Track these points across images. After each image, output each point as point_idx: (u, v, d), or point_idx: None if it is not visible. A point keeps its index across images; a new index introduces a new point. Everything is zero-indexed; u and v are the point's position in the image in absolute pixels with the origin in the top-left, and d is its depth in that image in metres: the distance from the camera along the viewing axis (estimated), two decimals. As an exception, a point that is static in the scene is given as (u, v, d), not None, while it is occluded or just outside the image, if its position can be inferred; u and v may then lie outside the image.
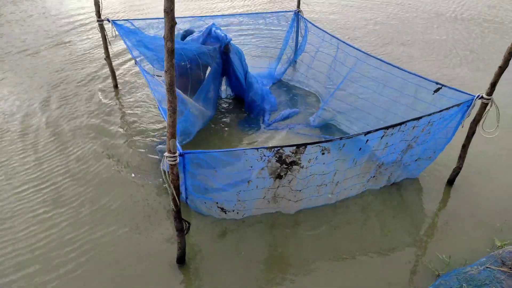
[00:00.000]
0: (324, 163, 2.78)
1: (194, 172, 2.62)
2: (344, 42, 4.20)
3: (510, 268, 2.46)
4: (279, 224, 3.07)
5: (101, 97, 4.85)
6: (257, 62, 5.19)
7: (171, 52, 1.79)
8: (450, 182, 3.50)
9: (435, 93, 3.31)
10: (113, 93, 4.96)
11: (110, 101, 4.77)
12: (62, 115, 4.48)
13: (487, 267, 2.49)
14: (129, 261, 2.75)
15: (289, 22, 5.07)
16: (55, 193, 3.33)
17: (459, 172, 3.42)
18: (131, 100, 4.82)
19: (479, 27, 7.57)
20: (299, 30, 5.09)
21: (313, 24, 4.79)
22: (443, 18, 8.09)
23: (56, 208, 3.18)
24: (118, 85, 5.07)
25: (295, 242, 2.93)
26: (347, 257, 2.83)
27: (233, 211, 3.01)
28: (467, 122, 3.08)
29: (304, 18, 4.92)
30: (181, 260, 2.69)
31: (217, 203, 2.96)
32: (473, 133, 3.14)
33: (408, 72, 3.50)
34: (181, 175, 2.54)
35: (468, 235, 3.04)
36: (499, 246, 2.84)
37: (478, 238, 3.00)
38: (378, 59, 3.77)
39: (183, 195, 2.99)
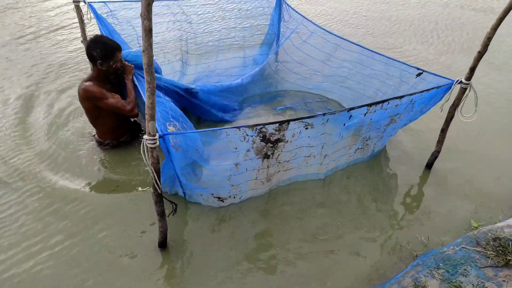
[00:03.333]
0: (309, 137, 2.83)
1: (179, 157, 2.59)
2: (325, 30, 4.17)
3: (484, 248, 2.53)
4: (268, 209, 3.10)
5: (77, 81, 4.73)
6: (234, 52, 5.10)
7: (148, 31, 1.74)
8: (429, 166, 3.57)
9: (418, 77, 3.38)
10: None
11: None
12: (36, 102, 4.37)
13: (463, 247, 2.55)
14: (109, 245, 2.73)
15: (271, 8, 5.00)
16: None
17: (438, 156, 3.48)
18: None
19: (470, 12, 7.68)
20: (282, 16, 5.02)
21: (294, 10, 4.72)
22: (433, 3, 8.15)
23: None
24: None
25: (283, 228, 2.95)
26: (329, 240, 2.87)
27: (230, 197, 3.02)
28: (446, 106, 3.13)
29: (287, 3, 4.85)
30: (163, 244, 2.68)
31: (212, 194, 2.96)
32: (452, 117, 3.19)
33: (392, 59, 3.55)
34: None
35: (445, 217, 3.11)
36: (474, 227, 2.92)
37: (455, 219, 3.08)
38: (361, 46, 3.77)
39: (180, 192, 3.04)
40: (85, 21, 4.10)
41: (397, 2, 8.29)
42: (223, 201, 3.03)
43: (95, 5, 3.79)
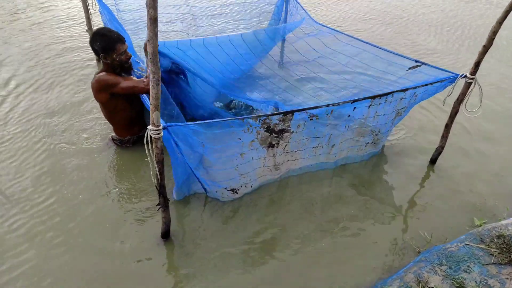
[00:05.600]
0: (315, 128, 2.84)
1: (187, 151, 2.58)
2: (321, 24, 4.13)
3: (488, 245, 2.52)
4: (276, 202, 3.10)
5: (82, 71, 4.72)
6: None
7: (154, 20, 1.72)
8: (433, 161, 3.55)
9: (410, 70, 3.32)
10: (96, 68, 4.83)
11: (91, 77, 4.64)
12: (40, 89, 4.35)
13: (466, 244, 2.54)
14: (112, 236, 2.74)
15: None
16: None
17: (442, 151, 3.46)
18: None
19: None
20: (288, 9, 4.97)
21: (299, 4, 4.67)
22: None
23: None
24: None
25: (290, 221, 2.95)
26: (333, 233, 2.86)
27: (242, 186, 3.01)
28: (451, 101, 3.10)
29: None
30: (166, 234, 2.68)
31: (225, 188, 2.96)
32: (456, 112, 3.17)
33: (387, 51, 3.51)
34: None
35: (449, 213, 3.09)
36: (478, 225, 2.90)
37: (458, 216, 3.06)
38: (355, 38, 3.74)
39: (200, 189, 3.01)
40: (90, 11, 4.09)
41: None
42: (237, 193, 3.02)
43: None
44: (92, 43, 3.04)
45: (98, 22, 5.55)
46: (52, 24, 6.12)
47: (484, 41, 2.74)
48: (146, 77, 3.06)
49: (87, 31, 4.60)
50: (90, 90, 4.19)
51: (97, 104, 4.00)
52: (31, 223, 2.79)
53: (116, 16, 3.81)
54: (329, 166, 3.39)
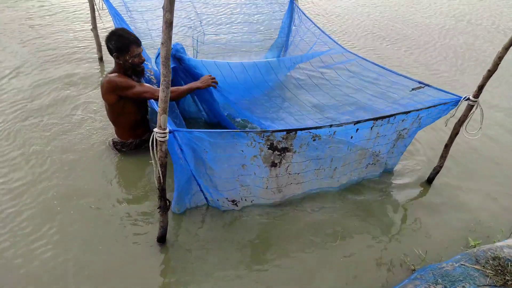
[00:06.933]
0: (317, 149, 2.83)
1: (191, 156, 2.57)
2: (336, 43, 4.16)
3: (483, 266, 2.53)
4: (273, 213, 3.09)
5: (84, 71, 4.71)
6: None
7: (169, 24, 1.73)
8: (430, 180, 3.57)
9: (413, 91, 3.33)
10: (98, 68, 4.82)
11: (93, 76, 4.63)
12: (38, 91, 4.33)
13: (462, 264, 2.55)
14: (106, 240, 2.71)
15: (283, 11, 5.00)
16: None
17: (439, 171, 3.49)
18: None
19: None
20: (293, 21, 5.01)
21: (306, 16, 4.72)
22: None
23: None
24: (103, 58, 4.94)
25: (284, 233, 2.94)
26: (327, 249, 2.86)
27: (242, 199, 3.00)
28: (452, 122, 3.14)
29: (299, 8, 4.85)
30: (162, 239, 2.66)
31: (226, 198, 2.95)
32: (457, 133, 3.20)
33: (391, 71, 3.53)
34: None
35: (443, 233, 3.10)
36: (472, 246, 2.92)
37: (453, 236, 3.07)
38: (362, 58, 3.78)
39: (201, 200, 2.99)
40: (96, 10, 4.09)
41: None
42: (236, 205, 3.01)
43: None
44: (108, 41, 3.00)
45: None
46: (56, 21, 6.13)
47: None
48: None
49: (91, 30, 4.60)
50: (88, 93, 4.26)
51: (95, 108, 4.01)
52: (27, 220, 2.77)
53: (123, 17, 3.79)
54: (332, 190, 3.35)
